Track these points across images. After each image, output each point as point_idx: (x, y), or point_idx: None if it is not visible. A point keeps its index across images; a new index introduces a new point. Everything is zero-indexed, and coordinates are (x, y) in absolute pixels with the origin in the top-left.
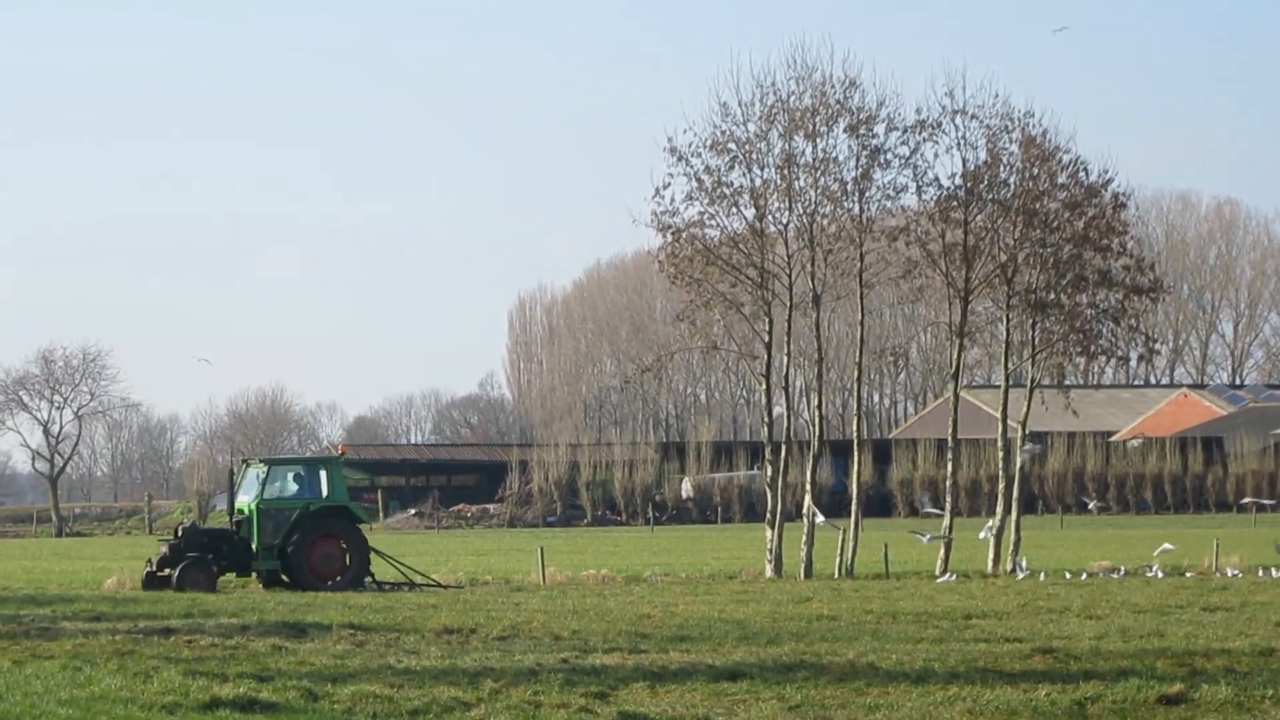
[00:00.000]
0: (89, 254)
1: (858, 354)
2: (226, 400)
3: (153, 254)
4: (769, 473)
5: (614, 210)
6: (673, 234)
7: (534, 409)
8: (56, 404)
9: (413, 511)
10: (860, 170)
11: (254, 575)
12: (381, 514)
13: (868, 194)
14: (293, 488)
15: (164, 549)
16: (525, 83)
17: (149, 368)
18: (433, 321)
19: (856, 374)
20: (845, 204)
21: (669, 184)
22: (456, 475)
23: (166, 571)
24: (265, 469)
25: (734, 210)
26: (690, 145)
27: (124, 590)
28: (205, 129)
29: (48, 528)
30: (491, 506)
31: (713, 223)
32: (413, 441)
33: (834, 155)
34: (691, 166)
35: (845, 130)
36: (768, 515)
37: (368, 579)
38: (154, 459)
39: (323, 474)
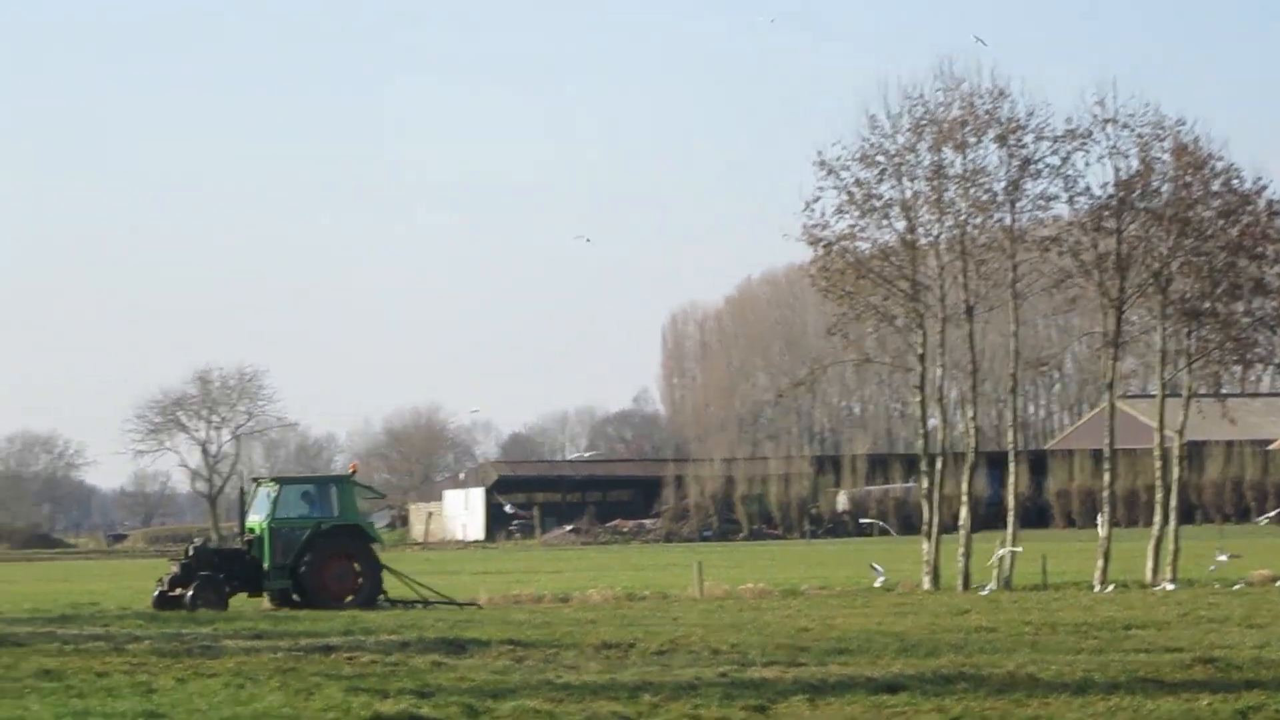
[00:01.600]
0: (245, 274)
1: (1012, 365)
2: (382, 419)
3: (307, 272)
4: (924, 485)
5: (765, 225)
6: (824, 247)
7: (688, 424)
8: (214, 424)
9: (569, 527)
10: (1010, 180)
11: (265, 595)
12: (538, 530)
13: (1018, 204)
14: (304, 507)
15: (175, 569)
16: (675, 98)
17: (305, 386)
18: (587, 338)
19: (1011, 385)
20: (996, 214)
21: (819, 197)
22: (612, 491)
23: (178, 591)
24: (276, 488)
25: (884, 223)
26: (839, 158)
27: (284, 609)
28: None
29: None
30: (647, 521)
31: (863, 235)
32: (568, 458)
33: (983, 166)
34: (841, 180)
35: (994, 140)
36: (924, 527)
37: (381, 597)
38: None
39: (334, 492)
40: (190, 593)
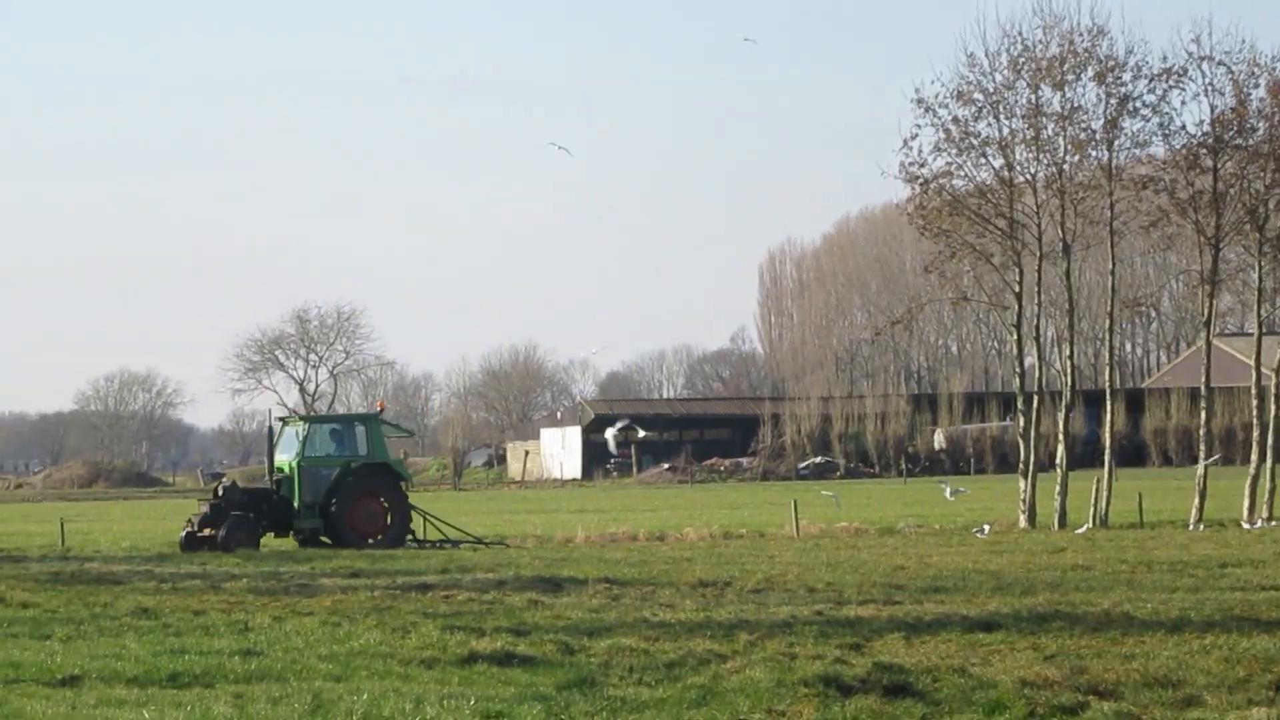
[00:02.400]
0: (343, 212)
1: (1109, 303)
2: (480, 357)
3: (406, 210)
4: (1021, 423)
5: (863, 163)
6: (921, 185)
7: (785, 362)
8: (312, 363)
9: (666, 466)
10: (1108, 118)
11: (293, 534)
12: (635, 468)
13: (1116, 142)
14: (333, 446)
15: (204, 509)
16: (775, 35)
17: (403, 325)
18: (684, 276)
19: (1108, 324)
20: (1093, 153)
21: (917, 135)
22: (709, 429)
23: (208, 531)
24: (305, 427)
25: (982, 161)
26: (937, 96)
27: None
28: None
29: None
30: (744, 460)
31: (961, 173)
32: (665, 396)
33: (1081, 104)
34: (939, 118)
35: (1093, 78)
36: (1020, 466)
37: (409, 538)
38: (408, 416)
39: (362, 431)
40: (223, 532)
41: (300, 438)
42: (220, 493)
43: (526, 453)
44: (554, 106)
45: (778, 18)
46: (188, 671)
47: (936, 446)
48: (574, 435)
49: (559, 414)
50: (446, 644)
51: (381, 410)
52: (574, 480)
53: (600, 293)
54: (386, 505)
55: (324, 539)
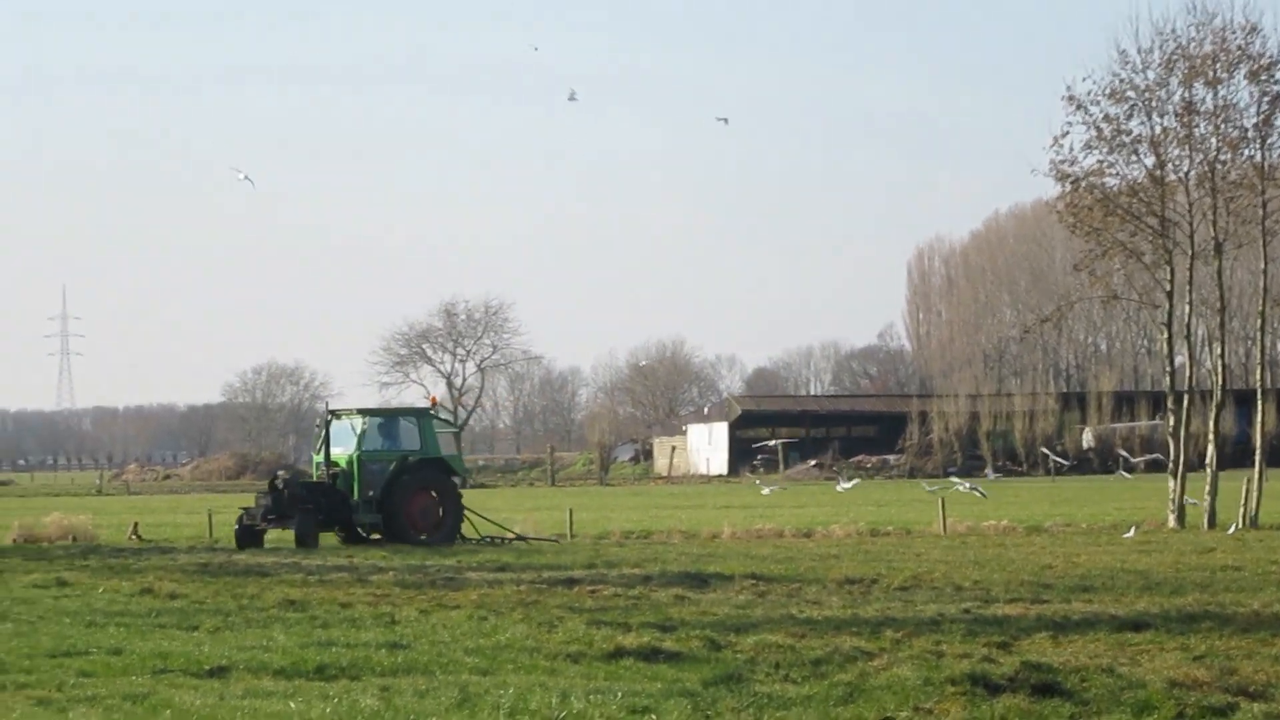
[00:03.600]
0: (493, 206)
1: (1260, 302)
2: (627, 352)
3: (555, 205)
4: (1171, 422)
5: (1013, 160)
6: (1071, 183)
7: (933, 359)
8: (459, 357)
9: (813, 463)
10: (1261, 117)
11: (342, 530)
12: (781, 465)
13: (1269, 141)
14: (388, 440)
15: (265, 501)
16: (927, 31)
17: (551, 320)
18: (833, 273)
19: (1260, 323)
20: (1246, 151)
21: (1067, 133)
22: (856, 426)
23: (263, 525)
24: (362, 420)
25: (1133, 158)
26: (1089, 94)
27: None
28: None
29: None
30: (891, 457)
31: (1112, 171)
32: (812, 393)
33: (1234, 102)
34: (1090, 115)
35: (1246, 76)
36: (1170, 465)
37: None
38: (555, 411)
39: (417, 426)
40: (297, 526)
41: (357, 431)
42: (281, 485)
43: (673, 448)
44: (702, 101)
45: (929, 14)
46: (335, 664)
47: (1085, 445)
48: (720, 431)
49: (705, 410)
50: (593, 639)
51: (434, 405)
52: (720, 476)
53: (748, 289)
54: (439, 500)
55: (374, 535)
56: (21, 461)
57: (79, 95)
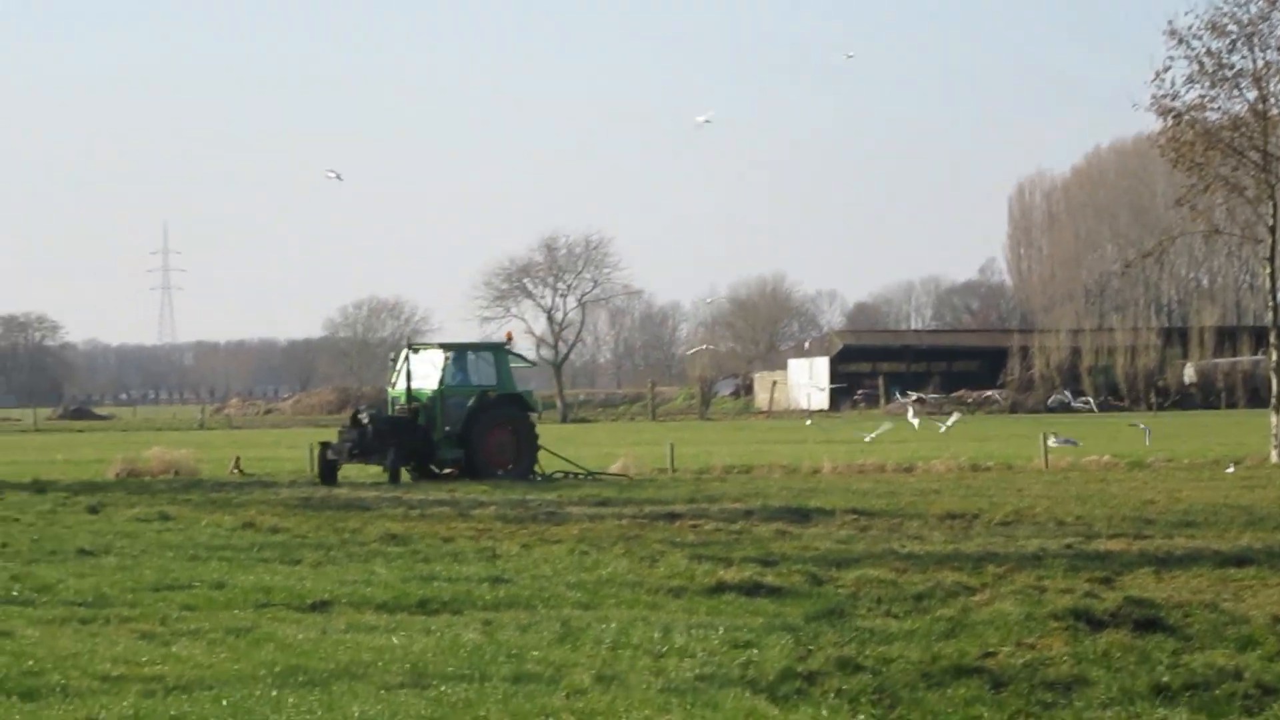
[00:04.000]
0: (592, 140)
1: None
2: (727, 287)
3: (657, 138)
4: (1274, 358)
5: (1115, 95)
6: (1173, 118)
7: (1034, 295)
8: (560, 291)
9: (914, 398)
10: None
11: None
12: (882, 400)
13: None
14: (468, 374)
15: (350, 436)
16: None
17: (651, 254)
18: (933, 208)
19: None
20: None
21: (1169, 67)
22: (957, 361)
23: (349, 460)
24: (444, 355)
25: (1235, 93)
26: (1190, 28)
27: (630, 474)
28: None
29: (552, 414)
30: (992, 392)
31: (1213, 105)
32: (913, 328)
33: None
34: (1192, 49)
35: None
36: (1272, 400)
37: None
38: (656, 346)
39: (494, 361)
40: (390, 461)
41: (441, 366)
42: (366, 420)
43: (774, 383)
44: (808, 38)
45: None
46: (436, 598)
47: (1186, 381)
48: (821, 366)
49: (806, 345)
50: (694, 573)
51: (509, 340)
52: (821, 411)
53: (849, 224)
54: (516, 436)
55: (447, 470)
56: (124, 396)
57: (182, 28)
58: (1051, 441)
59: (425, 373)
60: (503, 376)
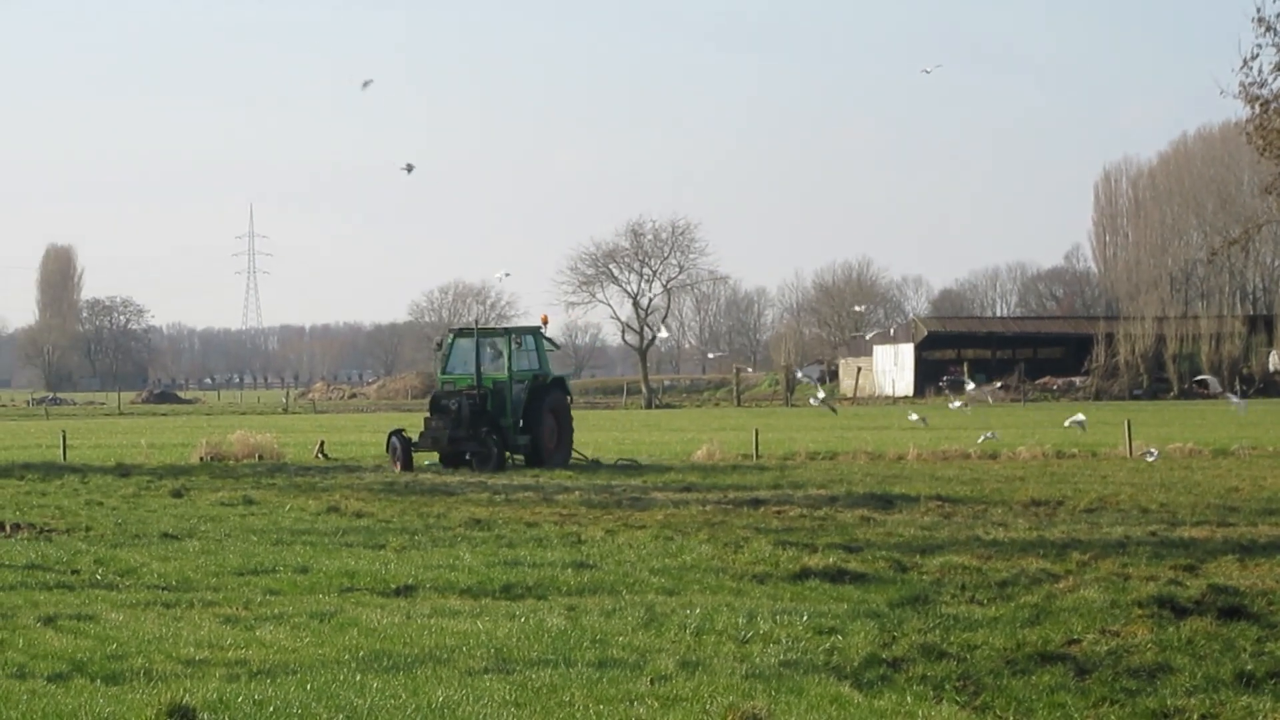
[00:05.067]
0: (680, 127)
1: None
2: (813, 273)
3: (746, 123)
4: None
5: (1202, 82)
6: (1261, 105)
7: (1120, 282)
8: (646, 277)
9: (998, 384)
10: None
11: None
12: (968, 387)
13: None
14: (521, 360)
15: (438, 422)
16: None
17: (737, 240)
18: (1020, 194)
19: None
20: None
21: (1257, 55)
22: (1042, 348)
23: (462, 448)
24: (506, 339)
25: None
26: (1279, 15)
27: (713, 460)
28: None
29: (637, 399)
30: (1077, 379)
31: None
32: (998, 314)
33: None
34: (1279, 36)
35: None
36: None
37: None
38: (741, 331)
39: (536, 345)
40: (478, 454)
41: (506, 351)
42: (456, 407)
43: (859, 369)
44: (893, 30)
45: None
46: (521, 583)
47: (1271, 368)
48: (906, 352)
49: (891, 330)
50: (778, 559)
51: (545, 322)
52: (906, 397)
53: (935, 210)
54: (558, 421)
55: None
56: (208, 380)
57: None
58: (1066, 423)
59: (465, 359)
60: (544, 360)
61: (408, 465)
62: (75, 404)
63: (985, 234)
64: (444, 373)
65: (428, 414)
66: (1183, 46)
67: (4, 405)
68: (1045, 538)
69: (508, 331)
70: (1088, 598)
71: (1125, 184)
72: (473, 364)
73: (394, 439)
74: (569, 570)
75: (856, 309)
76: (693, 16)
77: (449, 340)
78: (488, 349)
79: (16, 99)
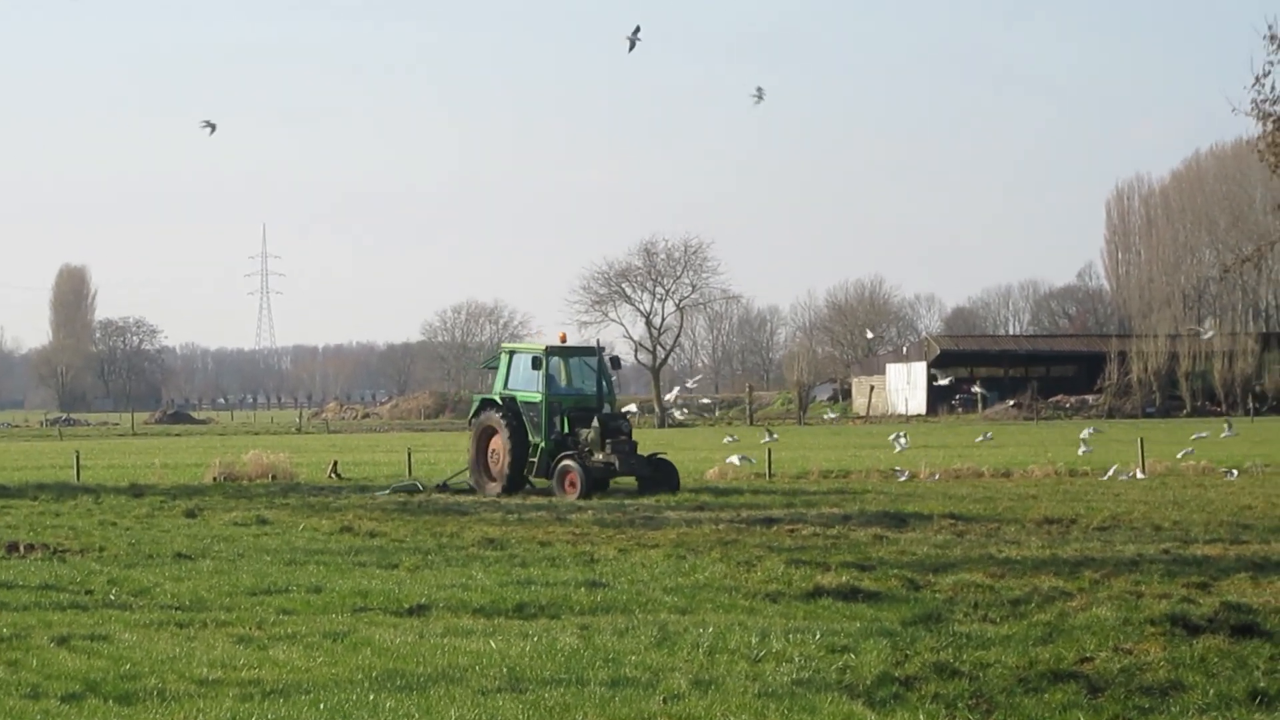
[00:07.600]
0: (691, 146)
1: None
2: (825, 292)
3: (756, 143)
4: None
5: (1214, 99)
6: (1273, 123)
7: (1132, 299)
8: (658, 296)
9: (1011, 402)
10: None
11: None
12: (980, 405)
13: None
14: (557, 381)
15: (616, 444)
16: None
17: (749, 259)
18: (1032, 212)
19: None
20: None
21: (1269, 72)
22: (1055, 366)
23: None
24: (559, 358)
25: None
26: None
27: (726, 480)
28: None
29: (650, 418)
30: (1090, 397)
31: None
32: (1011, 332)
33: None
34: None
35: None
36: None
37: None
38: (754, 350)
39: (599, 367)
40: (649, 480)
41: (558, 371)
42: (628, 430)
43: (871, 388)
44: (896, 46)
45: None
46: (534, 602)
47: None
48: (919, 371)
49: (904, 349)
50: (791, 578)
51: (564, 341)
52: (918, 415)
53: (947, 228)
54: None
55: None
56: (221, 400)
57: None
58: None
59: (537, 379)
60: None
61: (589, 491)
62: (89, 424)
63: (998, 252)
64: (540, 390)
65: (586, 432)
66: (1195, 64)
67: (18, 426)
68: (1058, 556)
69: (595, 350)
70: (1100, 616)
71: (1137, 201)
72: (569, 383)
73: (571, 462)
74: (582, 589)
75: (868, 334)
76: (705, 35)
77: (540, 357)
78: (585, 368)
79: (30, 119)
